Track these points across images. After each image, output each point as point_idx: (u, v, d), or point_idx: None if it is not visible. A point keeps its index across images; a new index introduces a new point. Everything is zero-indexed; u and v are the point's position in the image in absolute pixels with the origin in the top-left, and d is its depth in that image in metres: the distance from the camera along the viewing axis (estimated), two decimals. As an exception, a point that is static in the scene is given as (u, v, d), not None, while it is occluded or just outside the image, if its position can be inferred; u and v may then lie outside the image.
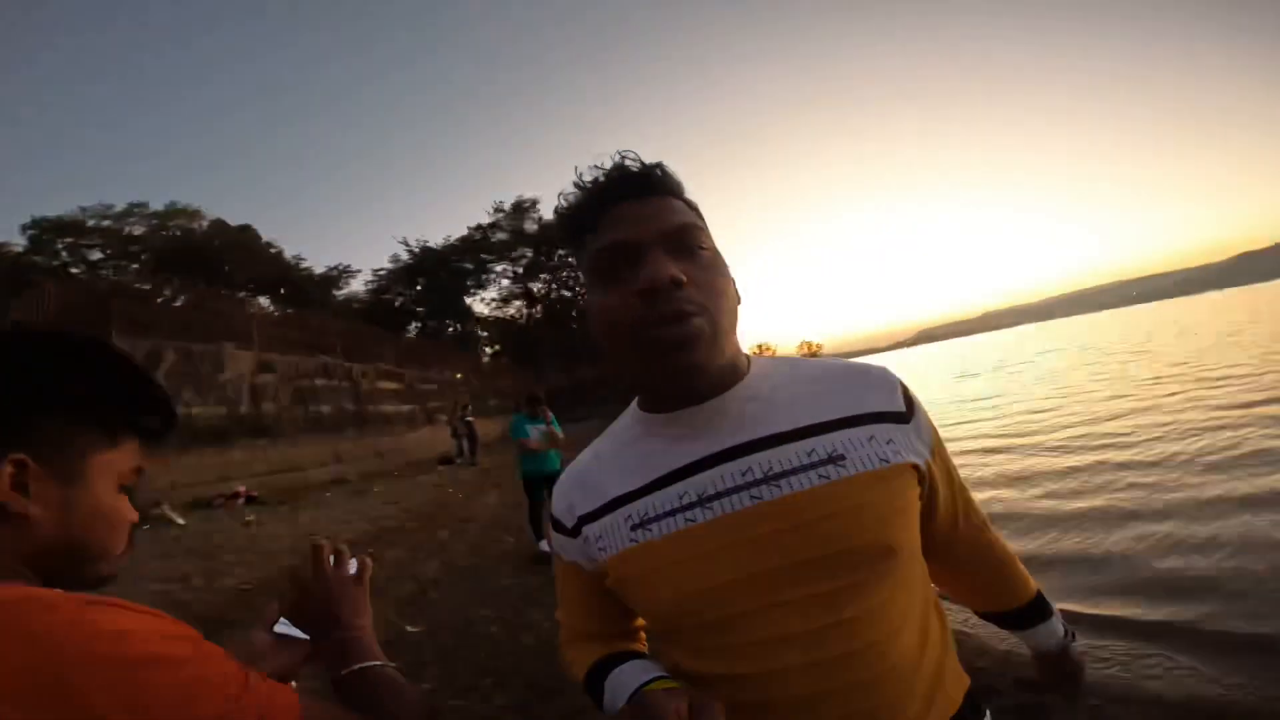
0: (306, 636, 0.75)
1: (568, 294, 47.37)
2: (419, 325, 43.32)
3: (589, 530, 0.77)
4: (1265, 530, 3.93)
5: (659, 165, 0.74)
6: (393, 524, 7.91)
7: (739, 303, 0.74)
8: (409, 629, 3.95)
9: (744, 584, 0.67)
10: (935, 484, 0.77)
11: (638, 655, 0.80)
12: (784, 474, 0.68)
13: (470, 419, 17.21)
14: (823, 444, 0.69)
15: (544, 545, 5.94)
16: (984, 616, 0.94)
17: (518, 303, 47.55)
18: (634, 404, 0.81)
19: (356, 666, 0.68)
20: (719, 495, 0.69)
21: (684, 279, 0.65)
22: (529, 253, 46.12)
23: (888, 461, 0.70)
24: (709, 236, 0.73)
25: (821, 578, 0.67)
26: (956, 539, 0.84)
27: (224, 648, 0.55)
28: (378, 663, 0.69)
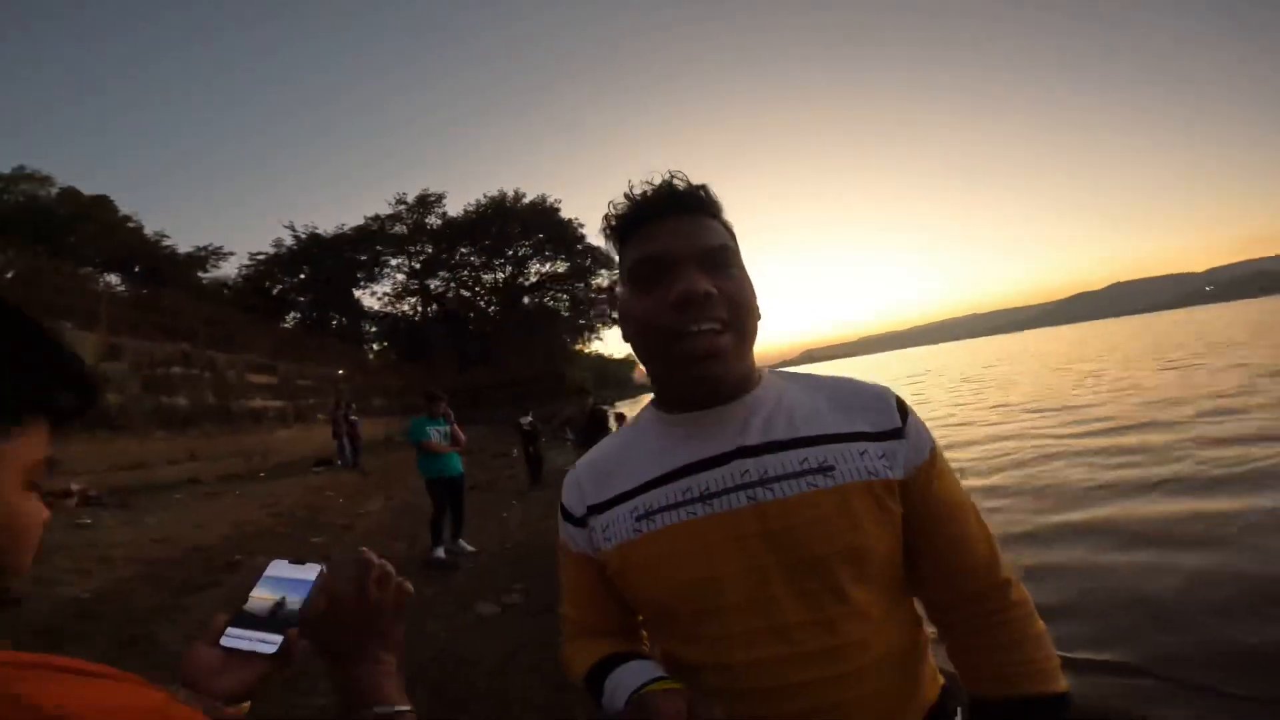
0: (268, 650, 0.62)
1: (466, 294, 45.87)
2: (298, 316, 40.21)
3: (595, 521, 0.81)
4: (1101, 559, 4.23)
5: (703, 187, 0.79)
6: (259, 528, 7.16)
7: (760, 320, 0.79)
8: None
9: (736, 577, 0.72)
10: (923, 500, 0.76)
11: (639, 656, 0.79)
12: (777, 479, 0.73)
13: (355, 418, 16.09)
14: (815, 454, 0.74)
15: (439, 553, 5.62)
16: (976, 703, 0.77)
17: (412, 299, 45.47)
18: (650, 403, 0.87)
19: (378, 710, 0.59)
20: (718, 494, 0.74)
21: (714, 293, 0.72)
22: (429, 249, 44.30)
23: (876, 475, 0.74)
24: (740, 258, 0.80)
25: (807, 577, 0.71)
26: (950, 571, 0.77)
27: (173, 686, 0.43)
28: (402, 708, 0.60)
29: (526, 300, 46.48)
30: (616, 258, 0.84)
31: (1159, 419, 9.11)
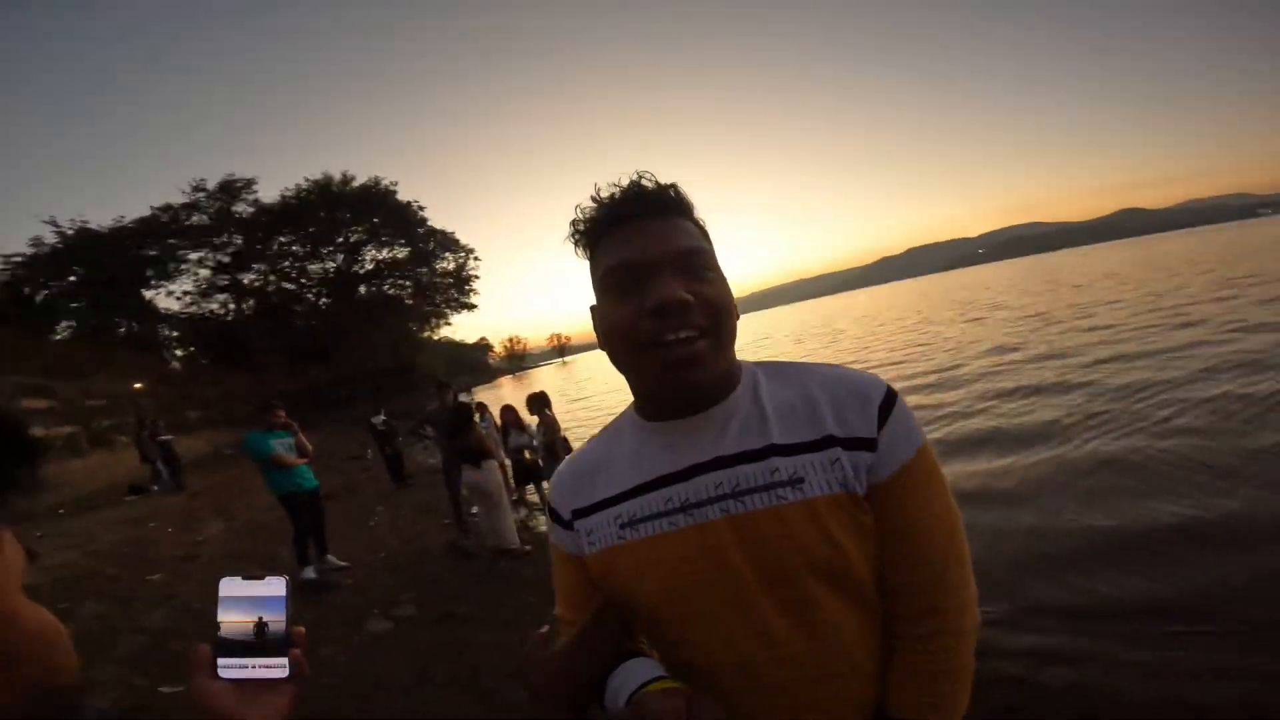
0: (279, 675, 0.57)
1: (291, 287, 41.57)
2: (73, 325, 34.00)
3: (580, 525, 0.83)
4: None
5: (673, 186, 0.78)
6: (79, 572, 6.22)
7: (737, 319, 0.78)
8: (164, 690, 3.22)
9: (716, 585, 0.74)
10: (891, 509, 0.75)
11: (638, 654, 0.78)
12: (748, 491, 0.73)
13: (167, 437, 14.17)
14: (786, 465, 0.73)
15: (308, 573, 5.28)
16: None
17: (222, 296, 40.24)
18: (630, 409, 0.86)
19: None
20: (695, 505, 0.75)
21: (691, 300, 0.70)
22: (239, 240, 39.27)
23: (846, 487, 0.73)
24: (715, 259, 0.78)
25: (782, 586, 0.73)
26: (901, 585, 0.76)
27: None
28: None
29: (363, 289, 43.15)
30: (588, 264, 0.81)
31: (958, 375, 10.45)
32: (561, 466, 0.90)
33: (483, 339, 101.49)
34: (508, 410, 7.17)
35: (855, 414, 0.75)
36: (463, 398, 6.96)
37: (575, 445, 6.75)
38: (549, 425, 6.36)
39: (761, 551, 0.72)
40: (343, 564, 5.61)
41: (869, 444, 0.74)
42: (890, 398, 0.77)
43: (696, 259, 0.74)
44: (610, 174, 0.78)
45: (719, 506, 0.74)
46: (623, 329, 0.73)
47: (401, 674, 3.31)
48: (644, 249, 0.73)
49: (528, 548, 5.40)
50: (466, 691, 3.01)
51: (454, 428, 5.62)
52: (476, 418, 6.12)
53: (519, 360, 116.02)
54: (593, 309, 0.81)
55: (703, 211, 0.81)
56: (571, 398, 23.91)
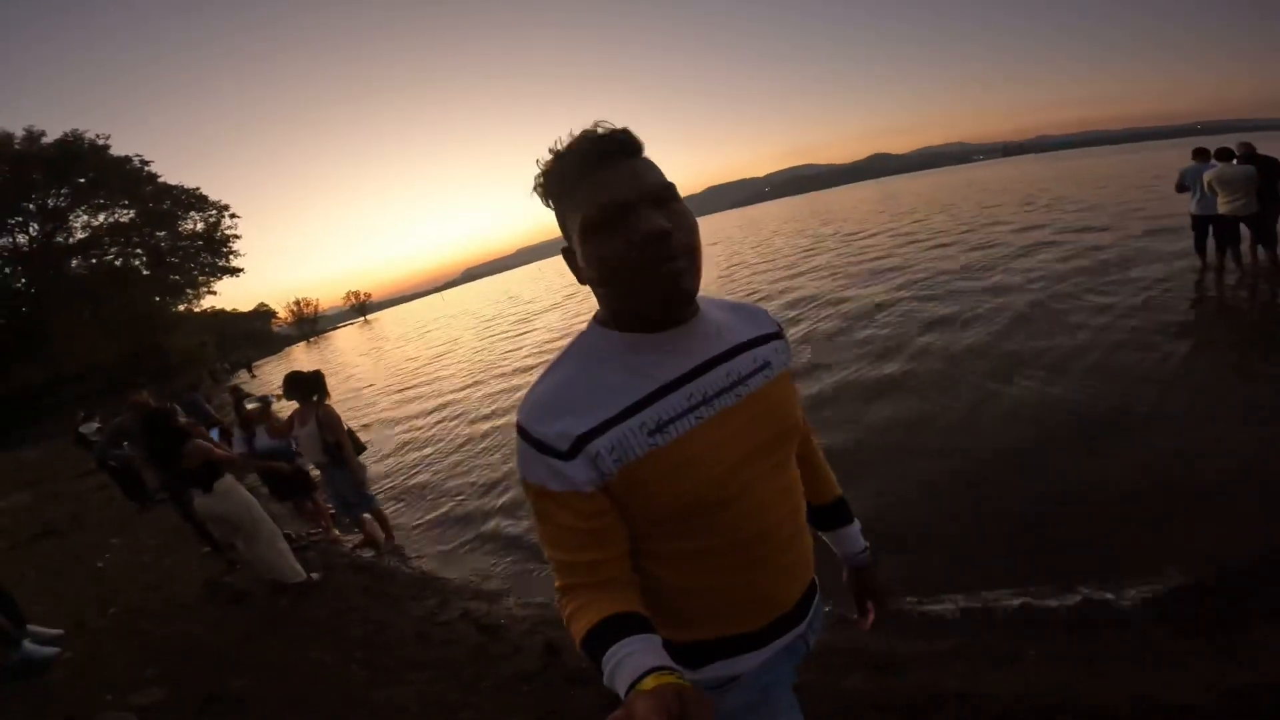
0: None
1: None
2: None
3: (596, 445, 0.82)
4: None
5: (628, 130, 0.84)
6: None
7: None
8: None
9: (741, 462, 0.87)
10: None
11: (638, 623, 0.79)
12: (746, 377, 0.92)
13: None
14: (758, 354, 0.95)
15: (28, 648, 3.81)
16: (815, 507, 1.17)
17: None
18: (598, 329, 0.91)
19: None
20: (718, 394, 0.88)
21: (670, 228, 0.79)
22: None
23: (786, 366, 1.00)
24: (676, 189, 0.86)
25: (777, 449, 0.93)
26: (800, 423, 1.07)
27: None
28: None
29: (76, 263, 34.84)
30: (553, 212, 0.88)
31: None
32: (536, 401, 0.87)
33: (262, 305, 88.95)
34: (245, 403, 5.27)
35: (768, 321, 1.03)
36: (244, 375, 5.46)
37: (362, 437, 5.52)
38: (327, 423, 4.44)
39: (767, 420, 0.92)
40: (54, 632, 4.11)
41: (781, 335, 1.04)
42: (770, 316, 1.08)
43: (669, 192, 0.83)
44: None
45: (734, 392, 0.90)
46: (618, 261, 0.80)
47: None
48: (625, 189, 0.80)
49: (314, 575, 4.41)
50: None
51: (151, 443, 4.08)
52: (225, 433, 4.55)
53: (311, 324, 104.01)
54: (565, 251, 0.91)
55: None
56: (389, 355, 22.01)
